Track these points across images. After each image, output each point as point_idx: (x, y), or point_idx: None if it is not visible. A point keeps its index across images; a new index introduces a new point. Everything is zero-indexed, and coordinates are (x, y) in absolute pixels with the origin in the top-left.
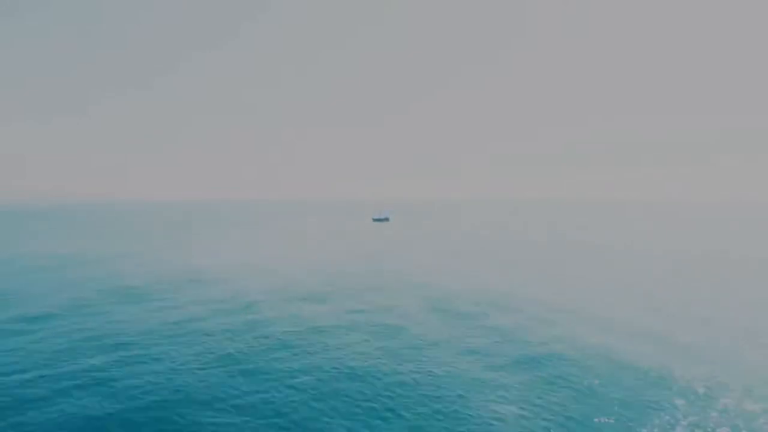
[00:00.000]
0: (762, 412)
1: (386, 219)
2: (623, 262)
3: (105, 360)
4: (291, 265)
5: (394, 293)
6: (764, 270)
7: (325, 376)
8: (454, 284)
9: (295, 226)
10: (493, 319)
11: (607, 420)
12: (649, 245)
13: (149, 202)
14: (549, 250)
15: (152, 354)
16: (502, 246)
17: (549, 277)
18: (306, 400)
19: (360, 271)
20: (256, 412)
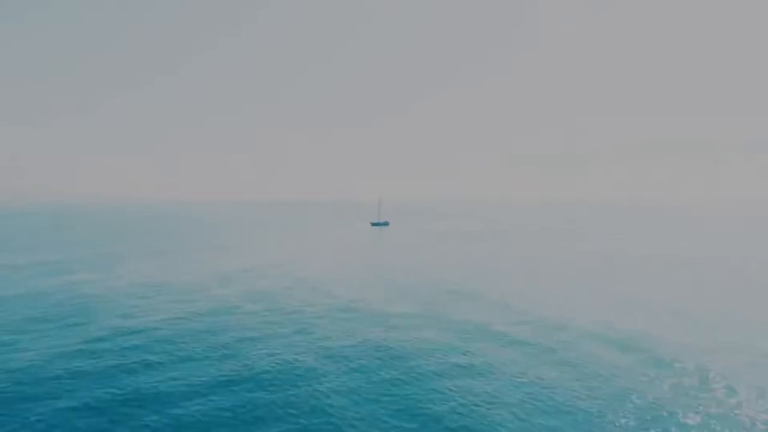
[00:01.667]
0: None
1: (385, 223)
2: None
3: None
4: (278, 277)
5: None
6: None
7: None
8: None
9: (290, 230)
10: None
11: None
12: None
13: (147, 203)
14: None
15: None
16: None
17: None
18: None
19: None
20: None
